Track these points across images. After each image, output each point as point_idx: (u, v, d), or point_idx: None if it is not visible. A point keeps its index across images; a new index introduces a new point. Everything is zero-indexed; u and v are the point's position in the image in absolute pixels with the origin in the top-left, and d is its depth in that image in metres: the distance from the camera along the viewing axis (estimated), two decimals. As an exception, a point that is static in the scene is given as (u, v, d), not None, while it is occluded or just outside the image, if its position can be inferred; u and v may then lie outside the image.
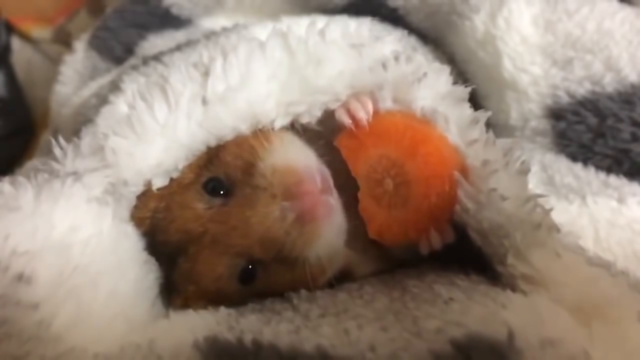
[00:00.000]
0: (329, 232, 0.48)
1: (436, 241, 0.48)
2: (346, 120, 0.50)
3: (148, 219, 0.50)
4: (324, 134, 0.54)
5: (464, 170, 0.47)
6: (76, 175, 0.46)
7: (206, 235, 0.48)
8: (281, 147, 0.50)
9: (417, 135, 0.48)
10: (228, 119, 0.49)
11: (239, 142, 0.51)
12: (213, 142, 0.51)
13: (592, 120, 0.67)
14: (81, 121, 0.63)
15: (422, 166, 0.48)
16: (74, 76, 0.93)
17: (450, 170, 0.47)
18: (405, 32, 0.79)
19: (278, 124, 0.51)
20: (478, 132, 0.48)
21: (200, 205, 0.49)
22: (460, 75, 0.80)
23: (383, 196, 0.49)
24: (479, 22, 0.74)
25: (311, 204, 0.47)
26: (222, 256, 0.48)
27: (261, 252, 0.47)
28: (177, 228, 0.49)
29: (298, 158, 0.50)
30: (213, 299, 0.48)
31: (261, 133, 0.51)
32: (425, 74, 0.49)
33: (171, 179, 0.50)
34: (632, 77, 0.67)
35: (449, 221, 0.48)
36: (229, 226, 0.47)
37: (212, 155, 0.51)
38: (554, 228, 0.44)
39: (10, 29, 1.24)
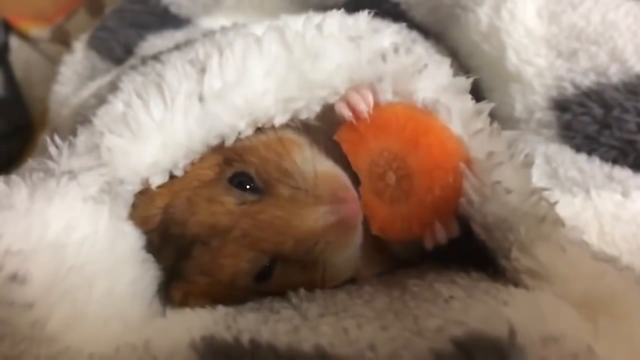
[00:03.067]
0: (357, 241, 0.49)
1: (441, 235, 0.47)
2: (346, 113, 0.49)
3: (157, 216, 0.50)
4: (323, 129, 0.53)
5: (468, 162, 0.46)
6: (71, 173, 0.45)
7: (235, 229, 0.47)
8: (310, 154, 0.50)
9: (419, 127, 0.47)
10: (226, 116, 0.49)
11: (267, 144, 0.51)
12: (213, 141, 0.50)
13: (598, 111, 0.67)
14: (79, 121, 0.63)
15: (425, 158, 0.47)
16: (73, 76, 0.93)
17: (454, 162, 0.46)
18: (404, 25, 0.78)
19: (277, 121, 0.51)
20: (482, 123, 0.47)
21: (230, 199, 0.48)
22: (462, 70, 0.79)
23: (385, 190, 0.48)
24: (482, 14, 0.74)
25: (354, 211, 0.48)
26: (248, 251, 0.47)
27: (292, 250, 0.47)
28: (199, 221, 0.48)
29: (333, 166, 0.51)
30: (217, 294, 0.48)
31: (284, 139, 0.51)
32: (425, 65, 0.48)
33: (172, 177, 0.50)
34: (638, 68, 0.66)
35: (454, 215, 0.47)
36: (264, 222, 0.47)
37: (232, 156, 0.50)
38: (559, 222, 0.43)
39: (8, 28, 1.24)
